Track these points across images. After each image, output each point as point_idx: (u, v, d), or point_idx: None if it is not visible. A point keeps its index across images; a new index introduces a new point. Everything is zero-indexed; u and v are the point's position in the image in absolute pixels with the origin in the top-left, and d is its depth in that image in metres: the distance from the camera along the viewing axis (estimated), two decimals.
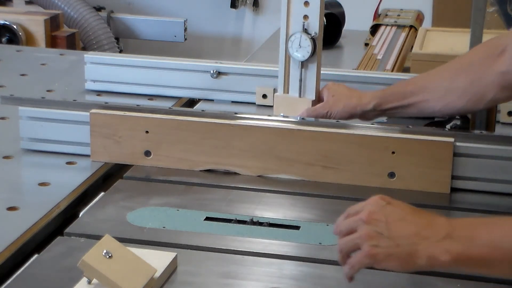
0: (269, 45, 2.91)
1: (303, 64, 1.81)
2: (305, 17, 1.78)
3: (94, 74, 2.20)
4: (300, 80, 1.83)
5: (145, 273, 1.25)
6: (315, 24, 1.78)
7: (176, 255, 1.33)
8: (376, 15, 3.02)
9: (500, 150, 1.64)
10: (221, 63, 2.12)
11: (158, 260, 1.29)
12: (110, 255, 1.23)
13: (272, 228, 1.49)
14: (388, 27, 2.94)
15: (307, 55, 1.79)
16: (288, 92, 1.85)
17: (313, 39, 1.78)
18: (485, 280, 1.31)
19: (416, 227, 1.19)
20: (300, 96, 1.84)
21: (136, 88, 2.18)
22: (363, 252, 1.19)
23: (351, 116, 1.77)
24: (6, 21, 3.27)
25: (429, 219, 1.20)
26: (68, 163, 1.76)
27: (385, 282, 1.31)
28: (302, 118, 1.74)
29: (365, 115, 1.78)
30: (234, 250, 1.41)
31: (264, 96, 2.08)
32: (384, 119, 2.04)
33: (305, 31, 1.78)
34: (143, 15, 4.06)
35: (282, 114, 1.79)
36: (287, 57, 1.82)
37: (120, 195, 1.61)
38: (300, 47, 1.78)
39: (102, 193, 1.62)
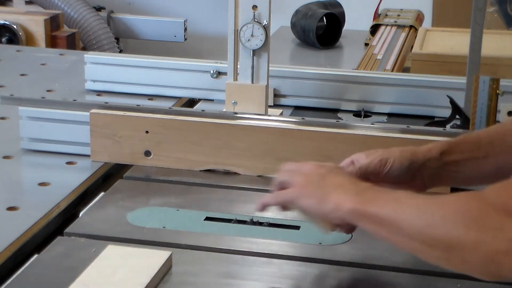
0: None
1: (255, 52, 1.83)
2: (254, 7, 1.80)
3: (94, 74, 2.20)
4: (252, 68, 1.84)
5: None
6: (265, 13, 1.80)
7: (171, 254, 1.32)
8: (376, 15, 3.02)
9: None
10: (221, 63, 2.12)
11: (152, 258, 1.29)
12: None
13: (272, 228, 1.49)
14: (388, 27, 2.94)
15: (260, 44, 1.81)
16: (237, 80, 1.87)
17: (265, 28, 1.80)
18: (485, 280, 1.31)
19: (343, 181, 1.25)
20: (252, 82, 1.85)
21: (136, 88, 2.18)
22: (291, 188, 1.27)
23: (411, 164, 1.38)
24: (6, 21, 3.27)
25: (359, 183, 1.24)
26: (68, 163, 1.76)
27: (385, 282, 1.31)
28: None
29: (426, 167, 1.39)
30: (234, 250, 1.41)
31: None
32: (384, 119, 2.04)
33: (256, 21, 1.79)
34: (143, 15, 4.05)
35: (234, 102, 1.84)
36: (236, 46, 1.84)
37: (120, 195, 1.60)
38: (253, 36, 1.81)
39: (102, 193, 1.62)
